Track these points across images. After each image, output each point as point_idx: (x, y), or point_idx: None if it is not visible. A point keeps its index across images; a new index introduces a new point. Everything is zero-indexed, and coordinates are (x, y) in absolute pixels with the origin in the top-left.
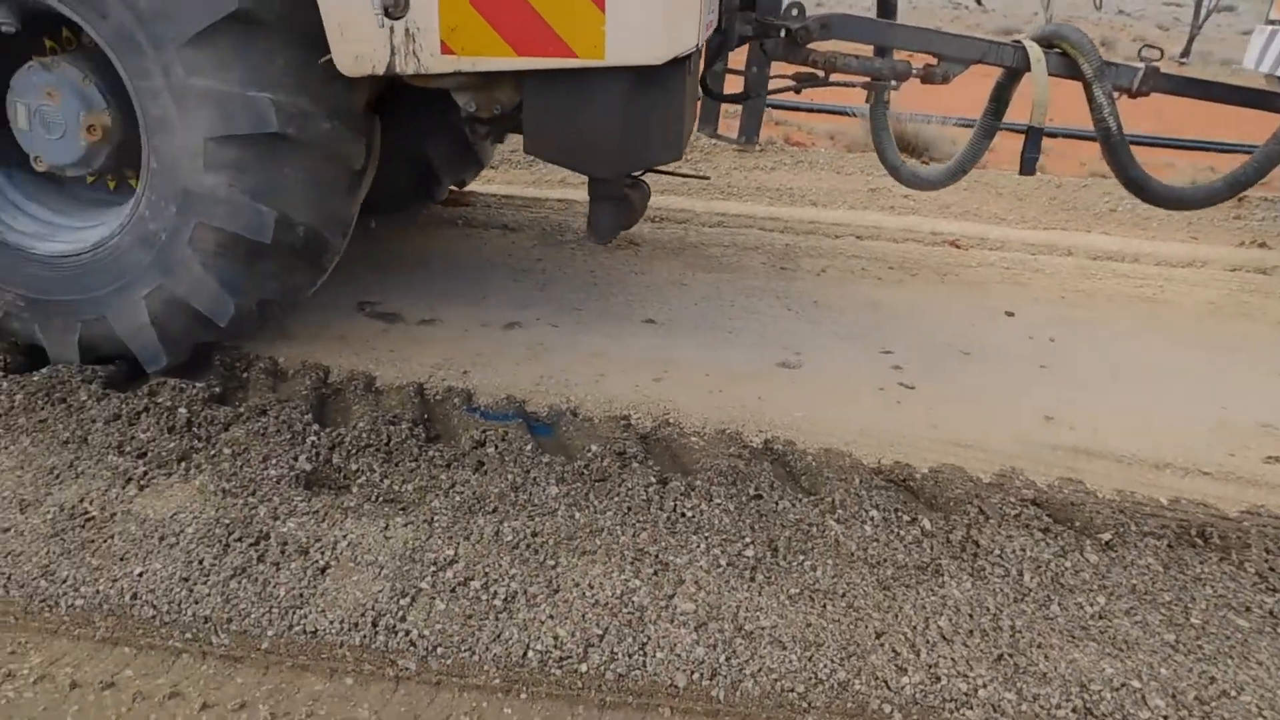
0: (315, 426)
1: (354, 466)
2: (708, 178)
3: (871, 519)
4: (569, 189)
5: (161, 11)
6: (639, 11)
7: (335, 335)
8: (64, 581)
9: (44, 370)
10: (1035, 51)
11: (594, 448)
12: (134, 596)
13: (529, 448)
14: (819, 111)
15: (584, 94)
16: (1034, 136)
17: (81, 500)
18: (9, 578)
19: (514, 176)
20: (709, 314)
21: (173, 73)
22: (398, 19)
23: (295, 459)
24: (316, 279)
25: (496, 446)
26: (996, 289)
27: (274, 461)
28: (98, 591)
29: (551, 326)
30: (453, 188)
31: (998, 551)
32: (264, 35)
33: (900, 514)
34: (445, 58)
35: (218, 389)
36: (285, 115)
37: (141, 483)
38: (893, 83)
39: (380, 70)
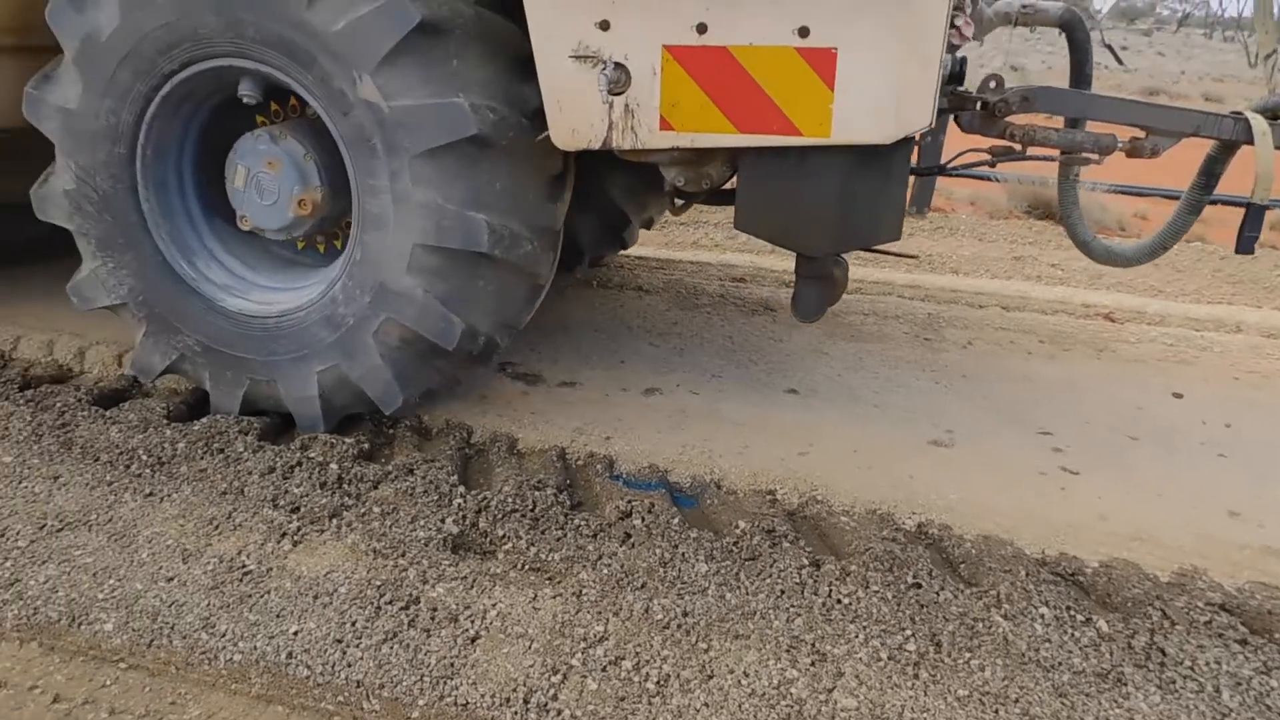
0: (461, 489)
1: (500, 532)
2: (916, 257)
3: (1041, 616)
4: (701, 251)
5: (404, 122)
6: (871, 90)
7: (477, 395)
8: (223, 635)
9: (204, 420)
10: (1260, 124)
11: (742, 524)
12: (289, 655)
13: (676, 521)
14: (959, 176)
15: (804, 171)
16: (1255, 214)
17: (239, 553)
18: (172, 627)
19: (646, 238)
20: (853, 385)
21: (400, 179)
22: (618, 94)
23: (442, 521)
24: (478, 374)
25: (643, 518)
26: (1160, 367)
27: (422, 523)
28: (255, 648)
29: (692, 394)
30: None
31: (1188, 663)
32: (491, 157)
33: (1073, 613)
34: (664, 133)
35: (365, 445)
36: (495, 237)
37: (295, 538)
38: (1095, 156)
39: (596, 145)
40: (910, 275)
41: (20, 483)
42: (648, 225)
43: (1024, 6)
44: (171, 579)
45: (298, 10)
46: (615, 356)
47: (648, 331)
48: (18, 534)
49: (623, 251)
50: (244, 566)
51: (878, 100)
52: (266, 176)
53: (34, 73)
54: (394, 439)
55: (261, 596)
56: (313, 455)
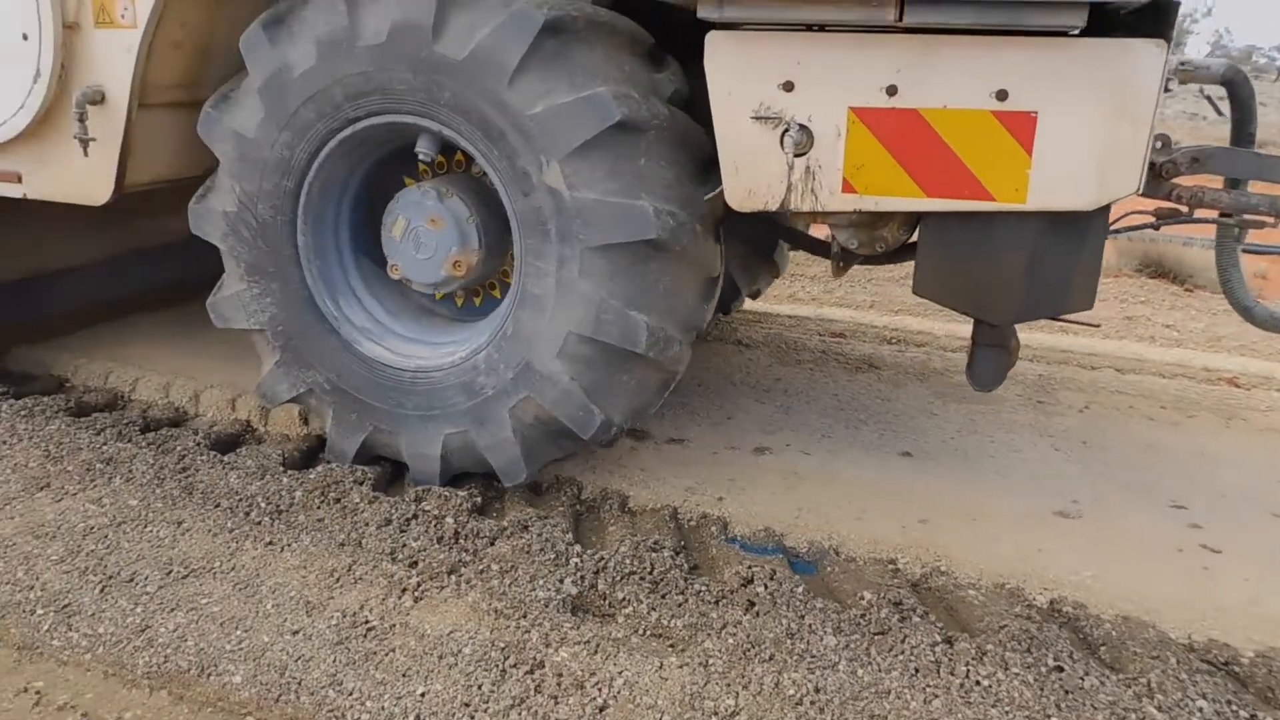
0: (577, 548)
1: (620, 595)
2: (1098, 325)
3: (1200, 710)
4: (798, 305)
5: (583, 214)
6: (1073, 155)
7: (584, 449)
8: (350, 693)
9: (319, 469)
10: None
11: (867, 595)
12: (417, 717)
13: (799, 590)
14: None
15: (993, 236)
16: None
17: (361, 607)
18: (300, 683)
19: None
20: (968, 449)
21: (568, 267)
22: (799, 156)
23: (561, 581)
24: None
25: (765, 585)
26: None
27: (541, 583)
28: (382, 708)
29: (803, 454)
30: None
31: None
32: (661, 260)
33: (1234, 708)
34: (846, 196)
35: (478, 499)
36: (652, 338)
37: (416, 594)
38: (1270, 219)
39: (773, 206)
40: (1019, 334)
41: (146, 527)
42: (754, 296)
43: (1182, 64)
44: (296, 632)
45: (498, 86)
46: (721, 413)
47: (752, 387)
48: (146, 579)
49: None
50: (367, 622)
51: (1079, 165)
52: (426, 232)
53: (195, 129)
54: (505, 493)
55: (386, 654)
56: (428, 508)
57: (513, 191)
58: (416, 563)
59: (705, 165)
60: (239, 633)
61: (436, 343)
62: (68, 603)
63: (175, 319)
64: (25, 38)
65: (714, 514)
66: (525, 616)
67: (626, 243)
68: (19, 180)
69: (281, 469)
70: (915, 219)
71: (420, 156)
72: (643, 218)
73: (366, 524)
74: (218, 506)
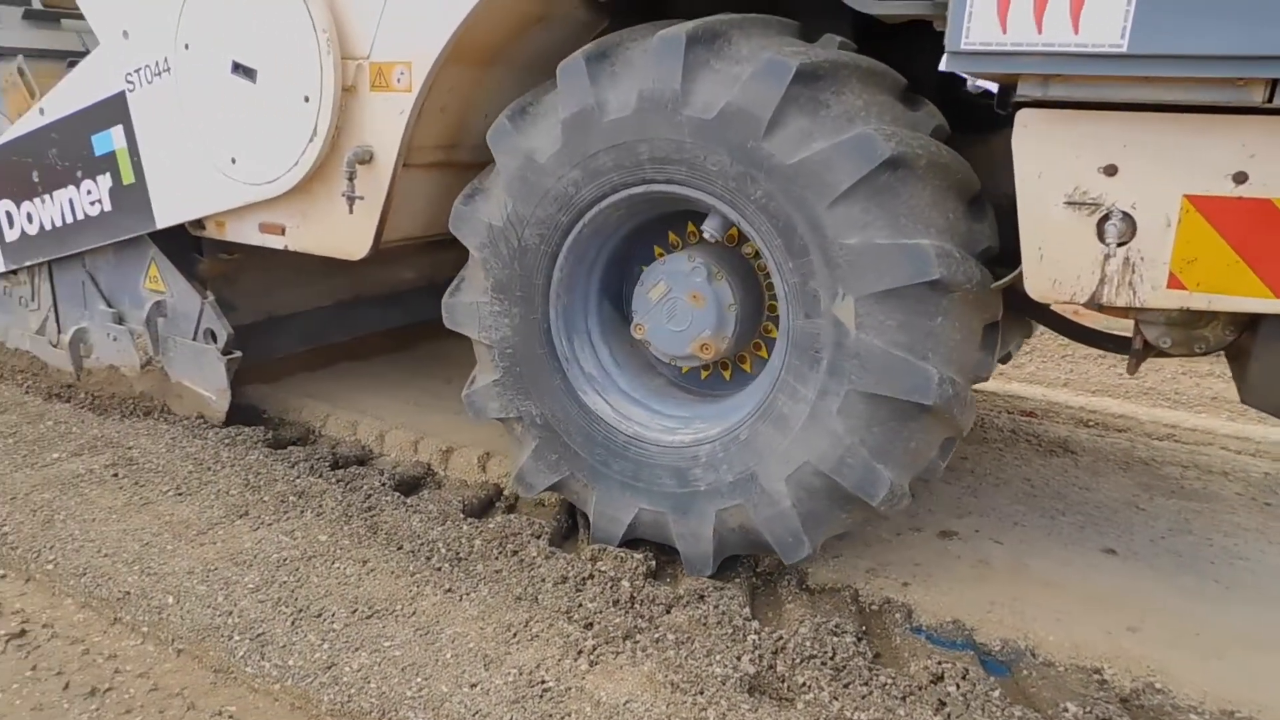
0: (755, 624)
1: (800, 679)
2: None
3: None
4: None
5: (863, 358)
6: None
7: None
8: None
9: (497, 519)
10: None
11: (1071, 708)
12: None
13: (995, 694)
14: None
15: None
16: None
17: (538, 666)
18: None
19: None
20: (1182, 551)
21: (826, 400)
22: (1120, 246)
23: (738, 659)
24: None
25: (957, 685)
26: None
27: (718, 658)
28: None
29: (994, 542)
30: None
31: None
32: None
33: None
34: (1171, 292)
35: (653, 563)
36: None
37: (591, 657)
38: None
39: (1081, 299)
40: (1235, 425)
41: (334, 563)
42: (1005, 360)
43: None
44: (475, 685)
45: (817, 204)
46: None
47: None
48: (334, 615)
49: None
50: (543, 682)
51: None
52: (685, 305)
53: (448, 188)
54: (678, 558)
55: (563, 718)
56: (604, 569)
57: (794, 308)
58: (592, 624)
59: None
60: (419, 680)
61: (657, 411)
62: (261, 632)
63: (371, 364)
64: (306, 99)
65: (897, 599)
66: (702, 693)
67: (896, 399)
68: (282, 233)
69: (461, 515)
70: (1246, 319)
71: (709, 237)
72: (923, 258)
73: (543, 579)
74: (400, 549)
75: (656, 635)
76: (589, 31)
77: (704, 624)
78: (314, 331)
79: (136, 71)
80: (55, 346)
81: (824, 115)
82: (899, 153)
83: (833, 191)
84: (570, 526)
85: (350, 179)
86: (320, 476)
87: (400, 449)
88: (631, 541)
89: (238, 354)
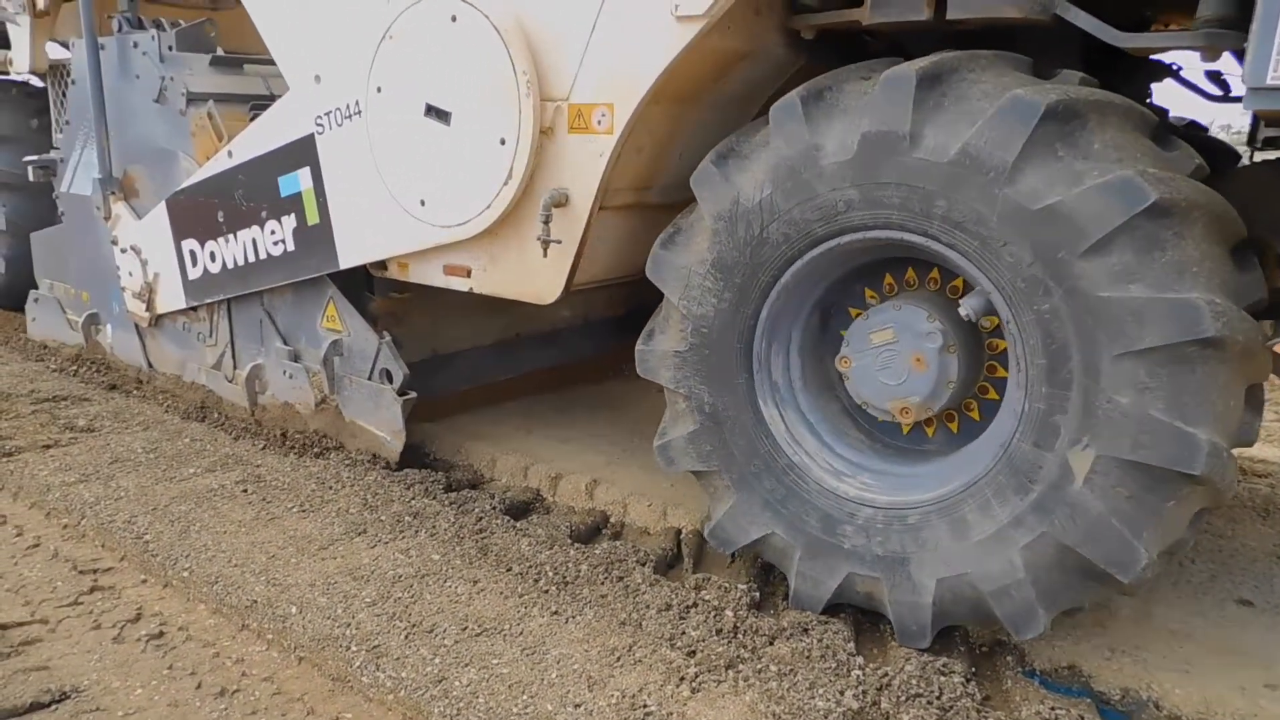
0: (859, 659)
1: (904, 717)
2: None
3: None
4: None
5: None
6: None
7: None
8: None
9: (604, 545)
10: None
11: None
12: None
13: None
14: None
15: None
16: None
17: (640, 690)
18: None
19: None
20: None
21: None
22: None
23: (842, 693)
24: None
25: None
26: None
27: (821, 692)
28: None
29: None
30: None
31: None
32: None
33: None
34: None
35: (756, 594)
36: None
37: (694, 685)
38: None
39: None
40: None
41: (446, 581)
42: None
43: None
44: (579, 705)
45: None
46: None
47: None
48: (444, 632)
49: None
50: (645, 706)
51: None
52: (904, 363)
53: (638, 230)
54: (780, 590)
55: None
56: (708, 598)
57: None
58: (695, 652)
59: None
60: (525, 697)
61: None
62: (377, 644)
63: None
64: (502, 142)
65: (1009, 641)
66: None
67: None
68: (467, 275)
69: (569, 540)
70: None
71: (965, 316)
72: (1189, 447)
73: (647, 606)
74: (509, 570)
75: (759, 666)
76: (785, 70)
77: (807, 657)
78: (477, 370)
79: (327, 114)
80: (230, 382)
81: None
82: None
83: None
84: (675, 555)
85: (546, 222)
86: (434, 499)
87: (510, 474)
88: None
89: (413, 394)
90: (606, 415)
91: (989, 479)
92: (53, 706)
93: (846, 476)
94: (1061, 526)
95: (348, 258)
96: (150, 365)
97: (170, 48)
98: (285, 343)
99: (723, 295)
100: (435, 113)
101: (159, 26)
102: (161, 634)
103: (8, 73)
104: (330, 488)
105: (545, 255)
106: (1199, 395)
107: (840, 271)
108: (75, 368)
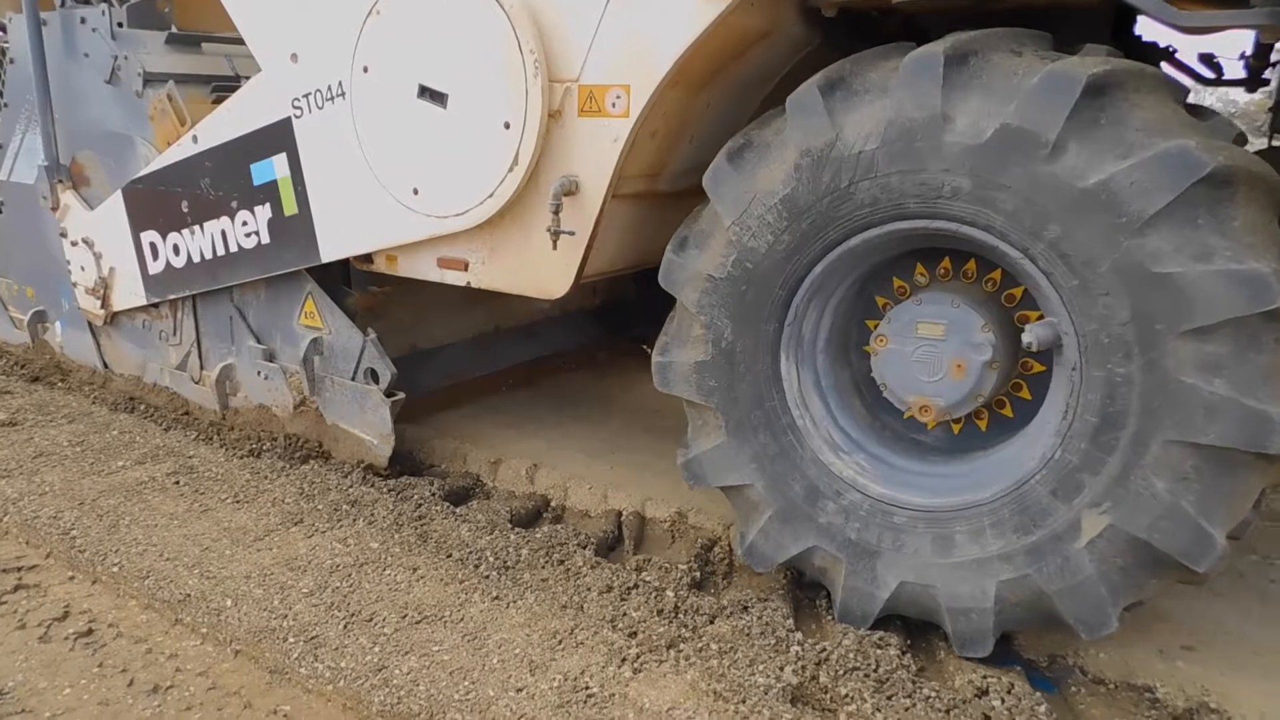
0: (798, 635)
1: (842, 690)
2: None
3: None
4: None
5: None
6: None
7: None
8: None
9: (544, 529)
10: None
11: None
12: None
13: (1042, 709)
14: None
15: None
16: None
17: (582, 673)
18: None
19: None
20: (1244, 571)
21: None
22: None
23: (781, 669)
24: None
25: (1003, 699)
26: None
27: (760, 668)
28: None
29: None
30: None
31: None
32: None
33: None
34: None
35: (697, 574)
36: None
37: (635, 665)
38: None
39: None
40: None
41: (385, 570)
42: None
43: None
44: (520, 690)
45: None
46: None
47: None
48: (384, 620)
49: None
50: (587, 688)
51: None
52: (943, 364)
53: (645, 220)
54: (723, 571)
55: None
56: (648, 579)
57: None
58: (636, 633)
59: None
60: (466, 683)
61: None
62: (315, 634)
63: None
64: (507, 126)
65: None
66: (744, 702)
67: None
68: (464, 268)
69: (509, 525)
70: None
71: (1030, 346)
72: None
73: (589, 589)
74: (449, 557)
75: (700, 644)
76: (798, 51)
77: (747, 634)
78: (456, 366)
79: (305, 97)
80: (197, 383)
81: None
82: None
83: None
84: (616, 537)
85: (556, 212)
86: (372, 487)
87: (449, 461)
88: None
89: (401, 395)
90: (547, 400)
91: (992, 508)
92: None
93: (844, 453)
94: (1048, 575)
95: (330, 251)
96: (106, 366)
97: (120, 24)
98: (259, 341)
99: (781, 236)
100: (430, 94)
101: (107, 1)
102: (90, 631)
103: None
104: (265, 477)
105: (555, 247)
106: (1269, 370)
107: (908, 248)
108: None
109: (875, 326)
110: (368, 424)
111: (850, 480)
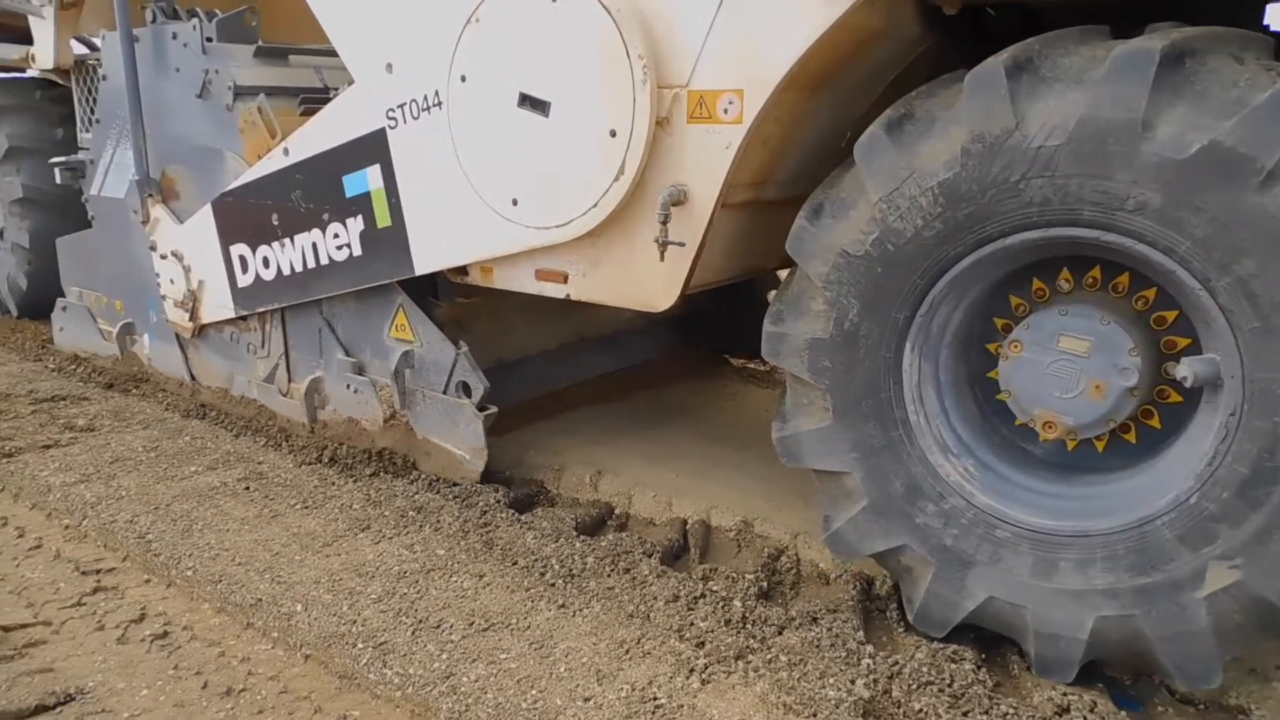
0: (869, 648)
1: (916, 705)
2: None
3: None
4: None
5: None
6: None
7: None
8: None
9: (609, 537)
10: None
11: None
12: None
13: None
14: None
15: None
16: None
17: (650, 683)
18: None
19: None
20: None
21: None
22: None
23: (852, 683)
24: None
25: (1085, 718)
26: None
27: (831, 681)
28: None
29: None
30: None
31: None
32: None
33: None
34: None
35: (764, 584)
36: None
37: (703, 676)
38: None
39: None
40: None
41: (451, 576)
42: None
43: None
44: (588, 699)
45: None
46: None
47: None
48: (451, 627)
49: None
50: (655, 699)
51: None
52: (1082, 384)
53: (750, 230)
54: (791, 581)
55: None
56: (715, 589)
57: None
58: (704, 643)
59: None
60: (534, 692)
61: (958, 434)
62: (384, 640)
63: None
64: (613, 134)
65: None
66: (815, 715)
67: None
68: (564, 280)
69: (575, 533)
70: None
71: (1179, 374)
72: None
73: (655, 597)
74: (515, 564)
75: (769, 656)
76: (911, 52)
77: (817, 646)
78: (539, 378)
79: (400, 107)
80: (285, 395)
81: None
82: None
83: None
84: (681, 546)
85: (664, 223)
86: (438, 493)
87: (512, 466)
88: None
89: (493, 410)
90: (608, 407)
91: (1106, 541)
92: (58, 709)
93: (953, 456)
94: (1155, 620)
95: (424, 263)
96: (193, 378)
97: (210, 39)
98: (348, 354)
99: (933, 223)
100: (531, 103)
101: (196, 16)
102: (166, 634)
103: (23, 70)
104: (333, 484)
105: (662, 259)
106: None
107: (1062, 254)
108: (74, 367)
109: (1004, 325)
110: (459, 438)
111: (956, 485)
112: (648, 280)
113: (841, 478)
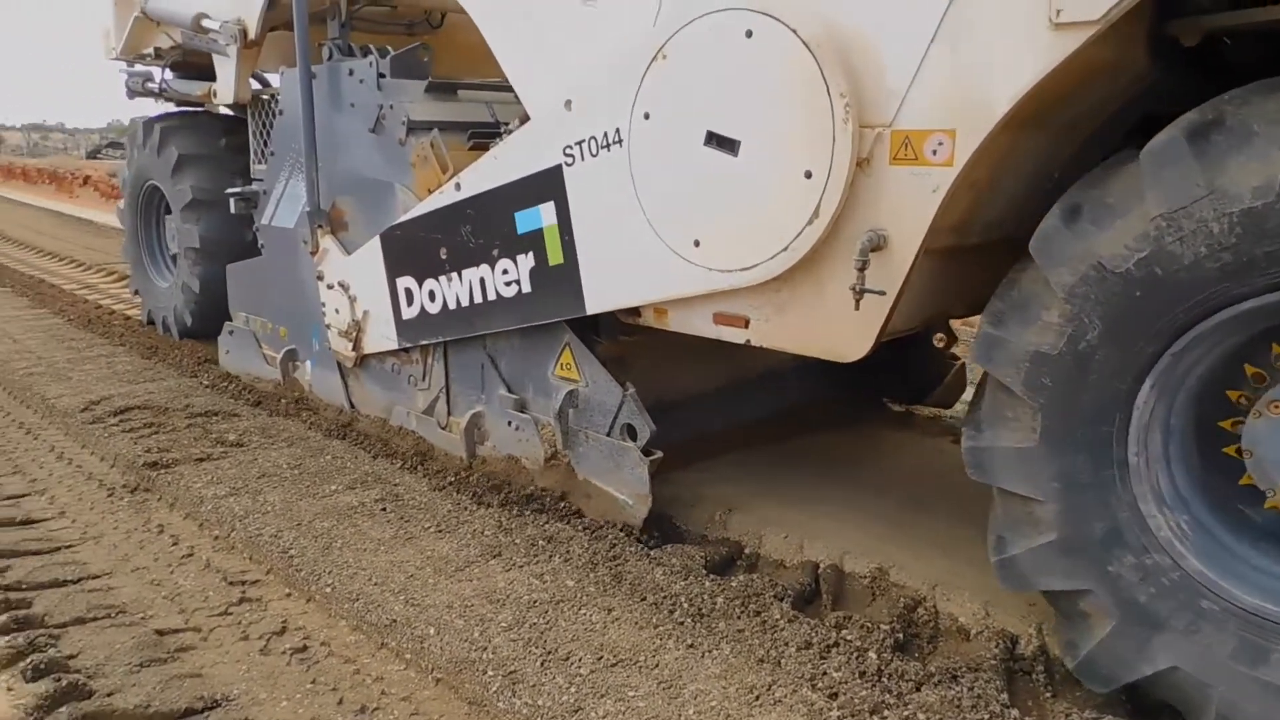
0: (1014, 712)
1: None
2: None
3: None
4: None
5: None
6: None
7: (1025, 599)
8: None
9: (739, 578)
10: None
11: None
12: None
13: None
14: None
15: None
16: None
17: None
18: None
19: None
20: None
21: None
22: None
23: None
24: None
25: None
26: None
27: None
28: None
29: None
30: None
31: None
32: None
33: None
34: None
35: (900, 636)
36: None
37: None
38: None
39: None
40: None
41: (580, 609)
42: None
43: None
44: None
45: None
46: None
47: None
48: (580, 660)
49: None
50: None
51: None
52: None
53: (944, 276)
54: (929, 634)
55: None
56: (849, 638)
57: None
58: (837, 694)
59: None
60: None
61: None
62: (514, 670)
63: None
64: (808, 175)
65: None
66: None
67: None
68: (744, 325)
69: (704, 571)
70: None
71: None
72: None
73: (786, 643)
74: (644, 600)
75: (906, 713)
76: (1136, 86)
77: (957, 705)
78: (700, 419)
79: (578, 144)
80: (444, 429)
81: None
82: None
83: None
84: (813, 590)
85: (862, 269)
86: (566, 523)
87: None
88: (905, 618)
89: (659, 454)
90: (740, 443)
91: None
92: (205, 714)
93: (1168, 508)
94: None
95: (596, 303)
96: (352, 406)
97: (384, 75)
98: (510, 391)
99: (1221, 253)
100: (719, 141)
101: (370, 53)
102: (305, 648)
103: (203, 105)
104: (465, 509)
105: (858, 307)
106: None
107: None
108: (225, 384)
109: (1254, 374)
110: (623, 482)
111: (1165, 541)
112: (838, 328)
113: (1032, 504)
